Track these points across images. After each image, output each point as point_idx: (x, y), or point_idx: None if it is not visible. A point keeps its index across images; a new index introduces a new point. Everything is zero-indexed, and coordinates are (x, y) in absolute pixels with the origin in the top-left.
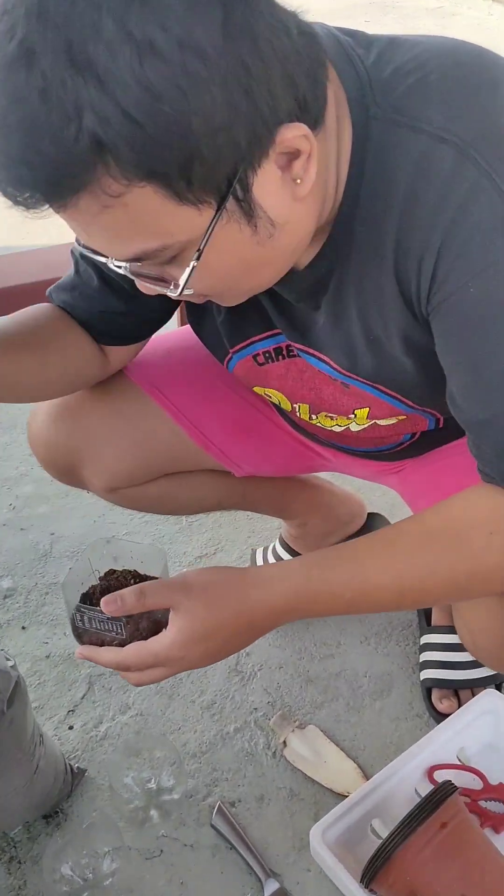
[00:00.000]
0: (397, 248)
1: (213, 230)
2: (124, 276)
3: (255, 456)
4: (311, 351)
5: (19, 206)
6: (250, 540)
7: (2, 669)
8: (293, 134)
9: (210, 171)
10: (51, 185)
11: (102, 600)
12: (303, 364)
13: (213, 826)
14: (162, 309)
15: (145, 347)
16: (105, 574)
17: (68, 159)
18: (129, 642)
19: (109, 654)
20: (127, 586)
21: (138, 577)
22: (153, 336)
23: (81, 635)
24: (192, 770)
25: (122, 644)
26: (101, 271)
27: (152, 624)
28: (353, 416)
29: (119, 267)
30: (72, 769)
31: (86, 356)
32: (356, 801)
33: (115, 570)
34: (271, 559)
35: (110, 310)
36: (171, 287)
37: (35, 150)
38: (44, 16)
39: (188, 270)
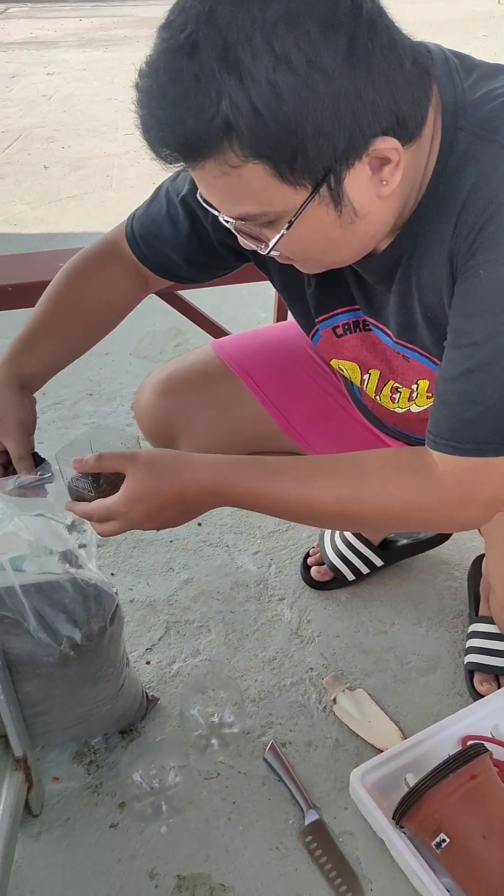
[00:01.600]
0: (455, 233)
1: (304, 208)
2: (215, 230)
3: (331, 442)
4: (381, 326)
5: (160, 160)
6: None
7: (107, 592)
8: (385, 146)
9: (309, 164)
10: (186, 149)
11: (72, 460)
12: (374, 337)
13: (265, 760)
14: (230, 266)
15: (242, 338)
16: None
17: (203, 132)
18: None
19: (81, 506)
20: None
21: None
22: (252, 330)
23: (71, 494)
24: (251, 712)
25: (91, 500)
26: (194, 221)
27: (113, 488)
28: (415, 386)
29: (227, 222)
30: (147, 696)
31: (130, 289)
32: (394, 754)
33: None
34: (339, 541)
35: (183, 256)
36: (263, 246)
37: (180, 120)
38: (212, 20)
39: (278, 236)
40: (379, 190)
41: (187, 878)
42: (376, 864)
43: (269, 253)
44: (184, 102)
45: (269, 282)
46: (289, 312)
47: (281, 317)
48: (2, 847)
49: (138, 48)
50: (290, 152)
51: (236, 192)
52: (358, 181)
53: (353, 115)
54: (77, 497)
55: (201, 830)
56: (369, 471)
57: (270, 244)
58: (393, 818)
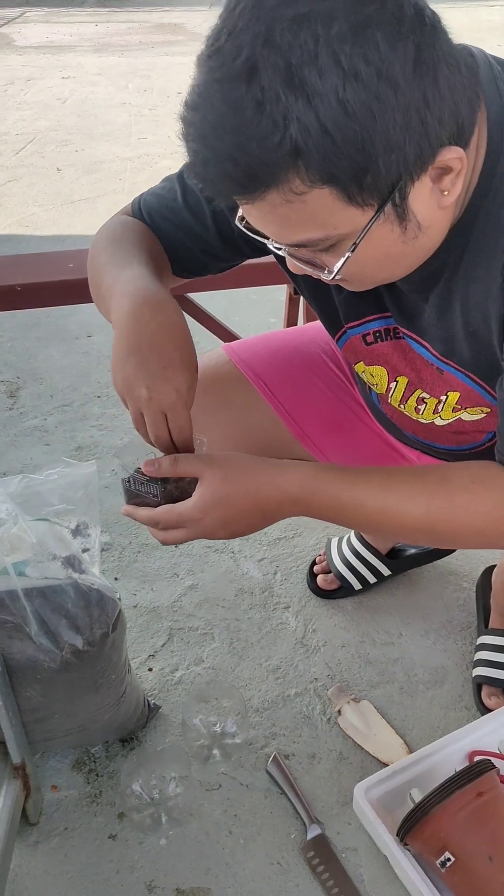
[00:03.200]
0: None
1: (370, 228)
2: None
3: (344, 451)
4: (415, 336)
5: (214, 194)
6: (328, 530)
7: (110, 597)
8: (451, 155)
9: (379, 181)
10: (249, 179)
11: (143, 463)
12: (406, 346)
13: (267, 772)
14: (243, 258)
15: (255, 343)
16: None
17: (269, 160)
18: (162, 504)
19: (144, 511)
20: None
21: None
22: (265, 334)
23: (129, 497)
24: (254, 722)
25: (156, 507)
26: (216, 212)
27: (182, 493)
28: (444, 397)
29: (279, 249)
30: (149, 704)
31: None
32: (399, 768)
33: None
34: (346, 550)
35: (203, 248)
36: (325, 273)
37: (243, 150)
38: (270, 41)
39: (343, 260)
40: (440, 200)
41: (186, 892)
42: (379, 881)
43: (333, 279)
44: (246, 130)
45: (279, 287)
46: (300, 318)
47: (291, 323)
48: None
49: (153, 53)
50: (360, 171)
51: (297, 219)
52: (422, 193)
53: (422, 124)
54: (137, 501)
55: (202, 843)
56: (458, 484)
57: (335, 269)
58: (397, 835)
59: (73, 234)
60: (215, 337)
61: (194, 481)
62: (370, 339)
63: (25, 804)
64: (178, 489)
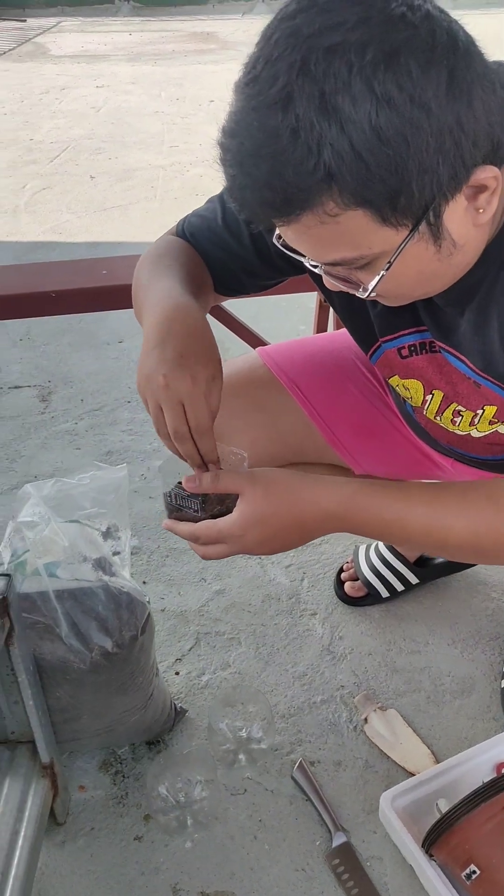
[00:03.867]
0: None
1: (404, 247)
2: (275, 246)
3: (376, 457)
4: (452, 350)
5: (251, 217)
6: (355, 537)
7: (139, 601)
8: (486, 174)
9: (412, 202)
10: (284, 204)
11: (184, 478)
12: (442, 360)
13: (293, 778)
14: (286, 276)
15: (290, 347)
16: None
17: (304, 185)
18: (203, 520)
19: (185, 526)
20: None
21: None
22: (299, 339)
23: (170, 512)
24: (280, 728)
25: (196, 521)
26: (254, 234)
27: (224, 510)
28: (481, 411)
29: (314, 266)
30: (175, 707)
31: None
32: (426, 778)
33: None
34: (374, 557)
35: (244, 267)
36: (360, 290)
37: (279, 176)
38: (305, 70)
39: (378, 278)
40: (475, 218)
41: None
42: (404, 891)
43: (368, 296)
44: (281, 157)
45: (308, 294)
46: (330, 325)
47: (321, 329)
48: (26, 854)
49: (186, 62)
50: (394, 194)
51: (332, 239)
52: (456, 212)
53: (456, 147)
54: (178, 515)
55: (226, 847)
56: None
57: (370, 287)
58: (422, 846)
59: (105, 241)
60: (245, 343)
61: (235, 497)
62: (405, 352)
63: (53, 803)
64: (219, 504)
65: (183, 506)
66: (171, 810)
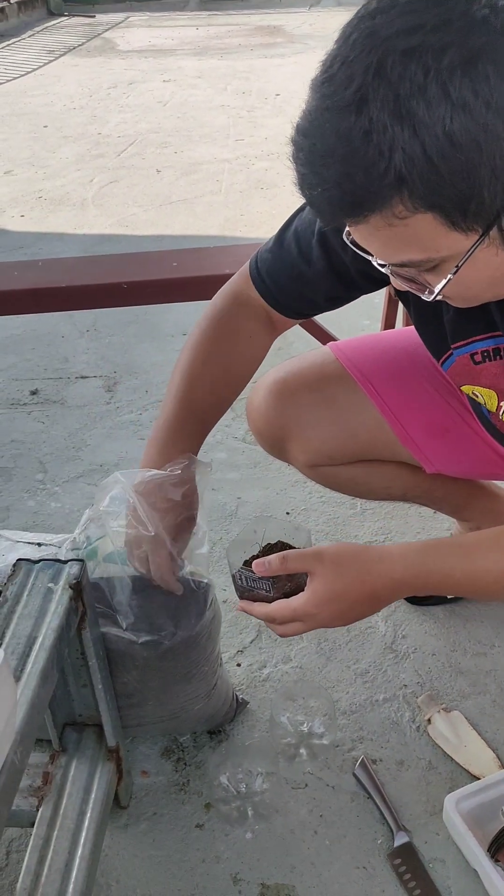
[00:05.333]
0: None
1: (473, 252)
2: (354, 262)
3: (449, 456)
4: None
5: (319, 216)
6: (419, 535)
7: (207, 591)
8: None
9: (483, 208)
10: (353, 206)
11: (254, 563)
12: None
13: (354, 775)
14: (366, 292)
15: (363, 342)
16: (263, 548)
17: (373, 188)
18: (275, 599)
19: (260, 608)
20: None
21: (287, 549)
22: (372, 334)
23: (241, 592)
24: (341, 724)
25: (269, 601)
26: (331, 258)
27: (295, 586)
28: None
29: (382, 266)
30: (237, 698)
31: (263, 344)
32: (493, 782)
33: (270, 544)
34: None
35: (324, 293)
36: (427, 293)
37: (349, 178)
38: (381, 73)
39: (444, 281)
40: None
41: (271, 888)
42: (468, 895)
43: (433, 299)
44: (353, 159)
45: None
46: (399, 321)
47: (389, 325)
48: (92, 835)
49: (252, 56)
50: (464, 200)
51: (401, 241)
52: None
53: None
54: (250, 596)
55: (287, 840)
56: None
57: (437, 289)
58: (488, 850)
59: (170, 235)
60: (311, 338)
61: (305, 574)
62: (478, 358)
63: (118, 787)
64: (288, 581)
65: (253, 587)
66: (232, 800)
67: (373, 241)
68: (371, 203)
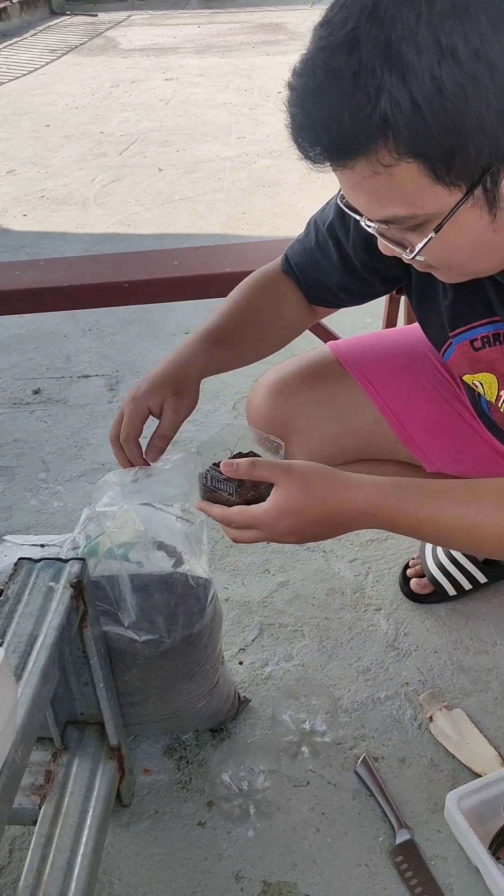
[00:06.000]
0: None
1: (456, 211)
2: (356, 254)
3: (449, 455)
4: None
5: (307, 160)
6: None
7: (208, 588)
8: None
9: (468, 163)
10: (339, 149)
11: (222, 463)
12: None
13: (356, 773)
14: (378, 291)
15: (362, 341)
16: (234, 455)
17: (359, 130)
18: (236, 505)
19: (219, 509)
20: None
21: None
22: (371, 333)
23: (205, 493)
24: (343, 722)
25: (230, 505)
26: (340, 248)
27: (258, 496)
28: None
29: (369, 226)
30: (239, 696)
31: (300, 316)
32: (494, 779)
33: (241, 453)
34: (441, 554)
35: (337, 283)
36: (407, 251)
37: (336, 119)
38: (374, 15)
39: (426, 239)
40: None
41: (273, 885)
42: (469, 892)
43: (413, 258)
44: (340, 100)
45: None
46: (400, 319)
47: (391, 323)
48: (94, 833)
49: (254, 53)
50: (449, 151)
51: (385, 193)
52: None
53: None
54: (212, 498)
55: (289, 838)
56: None
57: (416, 248)
58: (490, 848)
59: (172, 233)
60: (313, 336)
61: (270, 485)
62: (478, 344)
63: (120, 785)
64: (252, 490)
65: (217, 488)
66: (235, 798)
67: (359, 194)
68: (356, 146)
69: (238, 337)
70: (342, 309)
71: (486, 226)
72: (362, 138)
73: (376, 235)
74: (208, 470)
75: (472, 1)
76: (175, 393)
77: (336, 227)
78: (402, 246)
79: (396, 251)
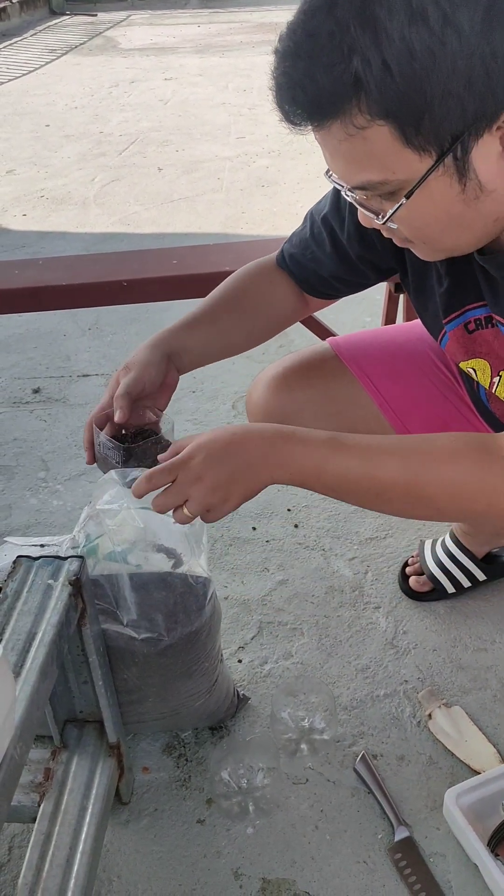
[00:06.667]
0: None
1: (427, 177)
2: (350, 244)
3: None
4: None
5: (287, 122)
6: (420, 532)
7: (207, 587)
8: None
9: (436, 127)
10: (315, 107)
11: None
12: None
13: (355, 770)
14: (371, 281)
15: (362, 338)
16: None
17: (332, 89)
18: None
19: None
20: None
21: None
22: (371, 330)
23: (99, 462)
24: (342, 720)
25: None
26: (334, 238)
27: (144, 457)
28: None
29: (349, 196)
30: (238, 694)
31: (291, 305)
32: (493, 776)
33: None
34: (440, 552)
35: (331, 273)
36: (380, 217)
37: (311, 77)
38: None
39: (397, 205)
40: None
41: (272, 882)
42: (468, 889)
43: (385, 223)
44: (317, 58)
45: (376, 286)
46: (399, 317)
47: (390, 321)
48: (93, 830)
49: (253, 53)
50: (417, 113)
51: (359, 157)
52: (486, 154)
53: (487, 78)
54: (105, 467)
55: (288, 835)
56: (440, 448)
57: (388, 213)
58: (488, 844)
59: (171, 233)
60: (311, 333)
61: (157, 447)
62: (472, 326)
63: (119, 783)
64: (141, 453)
65: (108, 456)
66: (234, 796)
67: (337, 159)
68: (330, 105)
69: (221, 318)
70: (341, 307)
71: (457, 196)
72: (336, 97)
73: (357, 206)
74: (100, 439)
75: None
76: (125, 367)
77: (331, 217)
78: (377, 214)
79: (376, 223)
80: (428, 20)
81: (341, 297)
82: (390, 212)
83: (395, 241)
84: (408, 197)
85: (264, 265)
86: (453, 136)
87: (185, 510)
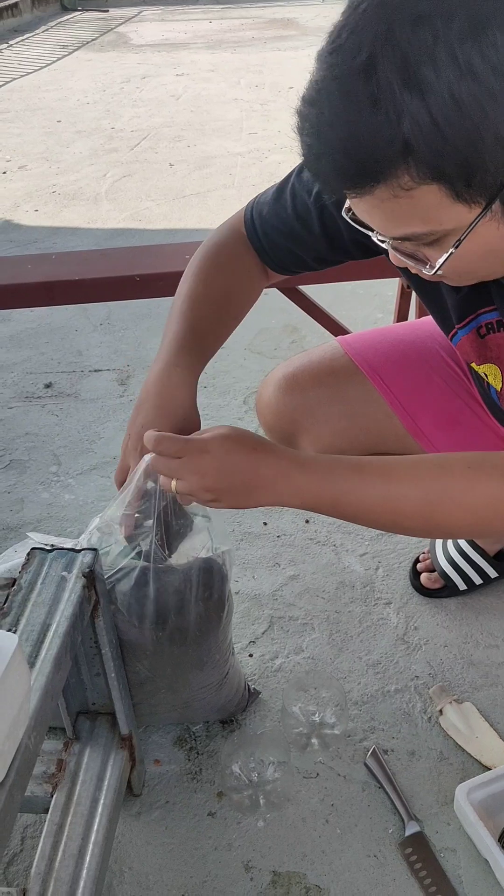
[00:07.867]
0: None
1: (475, 225)
2: (349, 228)
3: (458, 448)
4: None
5: (326, 190)
6: None
7: (221, 578)
8: None
9: (488, 178)
10: (358, 174)
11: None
12: None
13: (366, 765)
14: (355, 259)
15: (371, 336)
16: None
17: (380, 155)
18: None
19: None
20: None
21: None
22: (381, 327)
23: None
24: (353, 715)
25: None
26: (326, 222)
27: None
28: None
29: (382, 242)
30: (249, 688)
31: (260, 288)
32: (503, 773)
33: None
34: (452, 549)
35: (313, 254)
36: (427, 268)
37: (356, 144)
38: (391, 39)
39: (445, 255)
40: None
41: (283, 875)
42: (479, 885)
43: (434, 274)
44: (360, 126)
45: (385, 281)
46: (411, 313)
47: (402, 317)
48: (105, 822)
49: (265, 49)
50: (469, 168)
51: (404, 213)
52: None
53: None
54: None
55: (298, 829)
56: (455, 471)
57: (437, 264)
58: (499, 840)
59: (183, 228)
60: (323, 329)
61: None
62: (483, 331)
63: (130, 775)
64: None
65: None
66: (244, 789)
67: (375, 214)
68: (378, 172)
69: (215, 329)
70: (352, 304)
71: (502, 236)
72: (384, 163)
73: (388, 249)
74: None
75: (487, 19)
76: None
77: (326, 197)
78: (416, 259)
79: (410, 265)
80: (477, 75)
81: (304, 272)
82: (440, 262)
83: (421, 275)
84: (456, 246)
85: (236, 254)
86: (502, 182)
87: (172, 484)
